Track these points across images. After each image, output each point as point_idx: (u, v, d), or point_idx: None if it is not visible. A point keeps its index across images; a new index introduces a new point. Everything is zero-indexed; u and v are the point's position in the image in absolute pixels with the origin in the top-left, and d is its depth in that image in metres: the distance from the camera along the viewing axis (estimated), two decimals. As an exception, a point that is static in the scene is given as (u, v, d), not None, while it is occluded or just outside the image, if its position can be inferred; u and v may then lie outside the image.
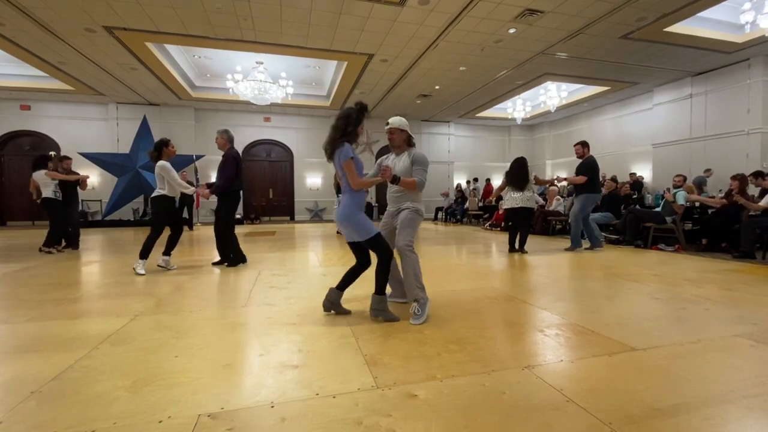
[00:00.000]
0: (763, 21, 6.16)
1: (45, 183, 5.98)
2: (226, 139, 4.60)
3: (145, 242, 4.31)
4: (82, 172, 6.85)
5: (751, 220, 5.24)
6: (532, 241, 6.42)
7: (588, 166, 5.94)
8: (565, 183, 6.10)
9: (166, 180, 4.37)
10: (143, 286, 3.71)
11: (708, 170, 9.23)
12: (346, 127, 2.55)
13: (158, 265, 4.48)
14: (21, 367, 1.90)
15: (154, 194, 4.42)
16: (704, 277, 3.96)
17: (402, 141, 2.93)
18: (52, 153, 11.73)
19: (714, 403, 1.55)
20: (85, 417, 1.45)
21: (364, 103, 2.65)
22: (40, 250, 5.91)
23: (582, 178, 5.85)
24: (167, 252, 4.53)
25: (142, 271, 4.22)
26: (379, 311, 2.59)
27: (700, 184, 6.74)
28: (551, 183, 7.38)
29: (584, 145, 6.09)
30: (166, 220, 4.52)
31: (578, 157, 6.11)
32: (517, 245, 5.83)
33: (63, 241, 6.26)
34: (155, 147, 4.49)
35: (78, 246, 6.44)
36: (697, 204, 6.43)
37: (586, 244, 6.21)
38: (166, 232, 4.61)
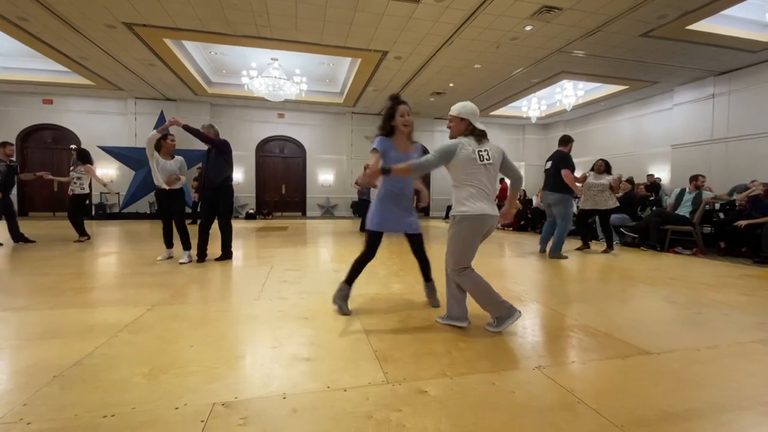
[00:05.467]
0: (791, 19, 5.96)
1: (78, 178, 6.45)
2: (213, 133, 4.64)
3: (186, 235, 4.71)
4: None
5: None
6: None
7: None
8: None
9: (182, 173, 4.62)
10: (159, 277, 3.80)
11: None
12: (382, 123, 2.64)
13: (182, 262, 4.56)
14: (44, 353, 1.97)
15: (177, 186, 4.58)
16: (723, 282, 3.87)
17: (458, 132, 2.39)
18: (74, 147, 12.08)
19: (729, 409, 1.52)
20: (105, 402, 1.50)
21: (394, 94, 2.67)
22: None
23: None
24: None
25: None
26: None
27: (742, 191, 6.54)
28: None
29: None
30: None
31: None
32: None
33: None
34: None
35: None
36: (717, 206, 6.28)
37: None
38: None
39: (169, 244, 4.77)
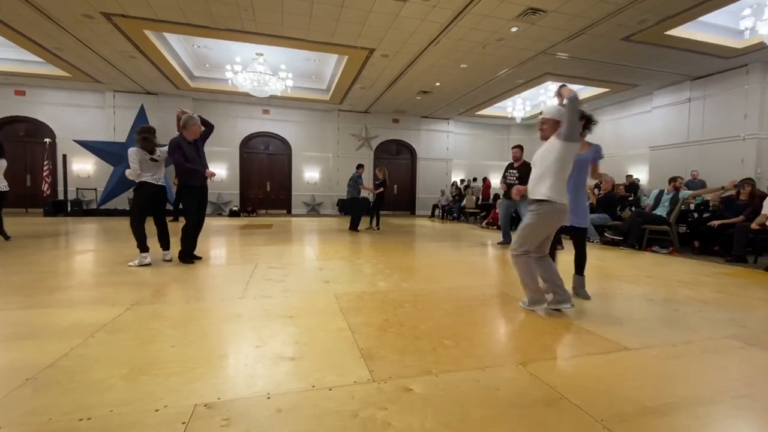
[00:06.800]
0: (763, 27, 6.17)
1: None
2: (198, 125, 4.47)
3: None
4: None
5: (744, 225, 5.29)
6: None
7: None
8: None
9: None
10: (138, 276, 3.69)
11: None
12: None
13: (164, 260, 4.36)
14: (16, 354, 1.89)
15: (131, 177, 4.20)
16: (697, 280, 4.00)
17: (552, 134, 2.61)
18: (48, 140, 11.64)
19: (704, 402, 1.57)
20: (81, 404, 1.45)
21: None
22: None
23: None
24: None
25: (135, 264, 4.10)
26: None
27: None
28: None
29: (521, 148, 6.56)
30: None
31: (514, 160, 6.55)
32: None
33: None
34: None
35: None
36: (692, 206, 6.50)
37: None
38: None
39: (163, 246, 4.40)
